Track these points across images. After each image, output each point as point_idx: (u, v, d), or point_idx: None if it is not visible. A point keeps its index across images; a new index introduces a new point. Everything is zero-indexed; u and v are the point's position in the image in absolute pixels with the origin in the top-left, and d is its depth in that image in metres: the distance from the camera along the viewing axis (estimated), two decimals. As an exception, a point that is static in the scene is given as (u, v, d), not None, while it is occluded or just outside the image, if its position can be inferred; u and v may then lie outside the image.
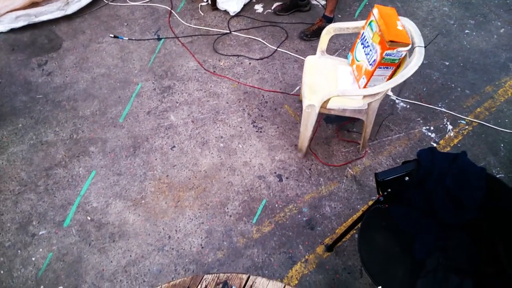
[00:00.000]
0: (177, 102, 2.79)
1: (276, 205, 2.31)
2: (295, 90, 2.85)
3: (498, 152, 2.55)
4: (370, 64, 2.05)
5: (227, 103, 2.79)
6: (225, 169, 2.46)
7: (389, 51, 1.90)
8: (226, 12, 3.41)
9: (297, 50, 3.12)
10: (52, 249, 2.14)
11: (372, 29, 2.02)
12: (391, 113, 2.74)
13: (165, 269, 2.08)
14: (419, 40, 1.93)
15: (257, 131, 2.63)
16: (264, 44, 3.17)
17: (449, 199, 1.52)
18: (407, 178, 1.54)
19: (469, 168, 1.52)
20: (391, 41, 1.87)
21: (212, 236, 2.19)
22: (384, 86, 1.95)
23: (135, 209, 2.29)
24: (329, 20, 3.09)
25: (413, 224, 1.61)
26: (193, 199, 2.33)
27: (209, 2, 3.44)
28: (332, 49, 3.12)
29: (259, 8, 3.48)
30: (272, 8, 3.47)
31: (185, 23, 3.33)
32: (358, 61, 2.21)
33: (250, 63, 3.04)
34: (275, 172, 2.45)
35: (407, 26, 1.99)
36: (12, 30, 3.20)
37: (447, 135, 2.64)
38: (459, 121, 2.72)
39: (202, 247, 2.15)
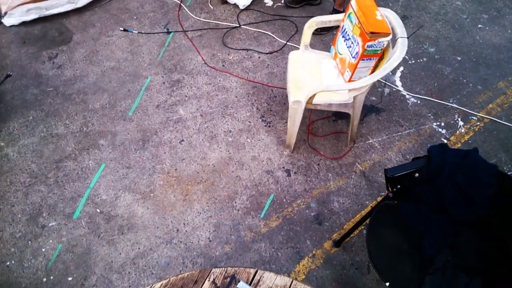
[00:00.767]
0: (186, 96, 2.79)
1: (284, 200, 2.31)
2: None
3: (510, 149, 2.52)
4: (353, 57, 2.03)
5: (236, 97, 2.78)
6: (234, 163, 2.46)
7: (370, 43, 1.88)
8: (235, 5, 3.39)
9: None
10: (62, 240, 2.17)
11: (351, 21, 2.00)
12: (379, 102, 2.74)
13: (173, 262, 2.09)
14: (401, 31, 1.91)
15: (265, 126, 2.63)
16: (274, 38, 3.15)
17: (460, 195, 1.50)
18: (417, 175, 1.53)
19: (481, 165, 1.50)
20: (372, 32, 1.84)
21: (220, 230, 2.20)
22: (368, 79, 1.93)
23: (144, 202, 2.30)
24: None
25: (422, 221, 1.59)
26: (201, 192, 2.34)
27: (219, -5, 3.43)
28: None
29: (268, 1, 3.46)
30: (282, 1, 3.44)
31: (194, 16, 3.32)
32: (340, 54, 2.18)
33: (259, 57, 3.03)
34: (283, 167, 2.44)
35: (388, 16, 1.97)
36: (23, 23, 3.22)
37: (458, 132, 2.61)
38: (470, 117, 2.68)
39: (210, 241, 2.16)
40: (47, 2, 3.19)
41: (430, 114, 2.70)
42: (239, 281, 1.27)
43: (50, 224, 2.22)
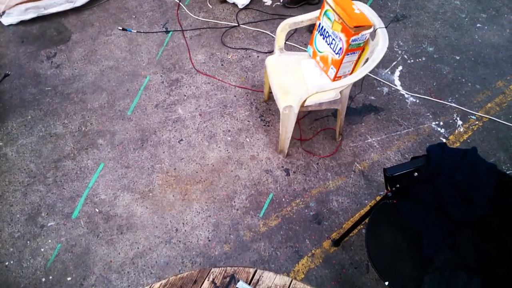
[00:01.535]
0: (185, 95, 2.79)
1: (283, 199, 2.31)
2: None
3: (509, 148, 2.52)
4: (337, 53, 2.03)
5: (234, 96, 2.78)
6: (233, 162, 2.46)
7: (354, 37, 1.89)
8: (234, 4, 3.39)
9: (306, 44, 3.10)
10: (61, 240, 2.16)
11: (329, 19, 2.00)
12: (360, 91, 2.78)
13: (172, 262, 2.09)
14: (378, 22, 1.94)
15: (264, 125, 2.62)
16: (273, 37, 3.15)
17: (459, 195, 1.50)
18: (416, 174, 1.53)
19: (480, 165, 1.50)
20: (356, 27, 1.85)
21: (219, 230, 2.20)
22: (358, 74, 1.92)
23: (143, 202, 2.30)
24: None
25: (421, 220, 1.60)
26: (200, 192, 2.34)
27: (218, -6, 3.42)
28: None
29: (267, 0, 3.45)
30: (281, 0, 3.44)
31: (193, 15, 3.31)
32: (321, 52, 2.17)
33: (258, 57, 3.03)
34: (282, 166, 2.44)
35: (362, 10, 1.97)
36: (22, 22, 3.21)
37: (456, 131, 2.61)
38: (469, 117, 2.69)
39: (209, 240, 2.16)
40: (46, 1, 3.18)
41: (429, 114, 2.70)
42: (238, 281, 1.27)
43: (49, 224, 2.22)
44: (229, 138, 2.57)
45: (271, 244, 2.15)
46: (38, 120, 2.65)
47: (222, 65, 2.97)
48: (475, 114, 2.69)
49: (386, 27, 1.92)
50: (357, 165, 2.45)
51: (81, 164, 2.45)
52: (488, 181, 1.47)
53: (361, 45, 1.98)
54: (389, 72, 2.93)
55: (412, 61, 3.01)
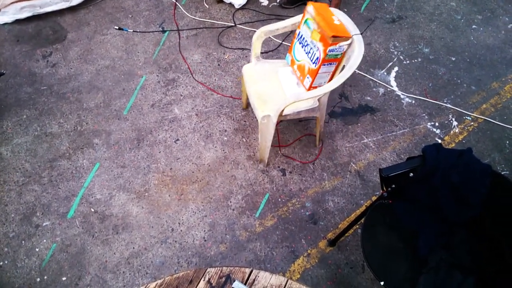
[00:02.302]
0: (181, 95, 2.79)
1: (279, 200, 2.31)
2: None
3: (503, 149, 2.54)
4: (313, 63, 2.00)
5: (231, 96, 2.78)
6: (229, 162, 2.46)
7: (332, 47, 1.87)
8: (231, 4, 3.39)
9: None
10: (56, 240, 2.15)
11: (309, 27, 1.97)
12: (341, 97, 2.78)
13: (167, 262, 2.08)
14: (353, 29, 1.92)
15: (261, 125, 2.62)
16: (269, 37, 3.15)
17: (454, 195, 1.51)
18: (411, 174, 1.53)
19: (475, 165, 1.51)
20: (334, 36, 1.83)
21: (215, 230, 2.20)
22: (334, 82, 1.89)
23: (139, 202, 2.29)
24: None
25: (416, 221, 1.60)
26: (196, 192, 2.33)
27: (214, -6, 3.42)
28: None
29: (264, 1, 3.46)
30: (278, 1, 3.44)
31: (190, 15, 3.31)
32: (298, 61, 2.14)
33: (254, 57, 3.02)
34: (278, 167, 2.44)
35: (340, 18, 1.96)
36: (17, 21, 3.20)
37: (452, 131, 2.62)
38: (464, 117, 2.70)
39: (205, 240, 2.16)
40: (41, 0, 3.17)
41: (424, 114, 2.71)
42: (234, 281, 1.27)
43: (44, 224, 2.21)
44: (226, 138, 2.57)
45: (267, 244, 2.15)
46: (34, 119, 2.64)
47: (218, 65, 2.97)
48: (470, 115, 2.71)
49: (361, 34, 1.89)
50: (353, 165, 2.46)
51: (76, 164, 2.44)
52: (483, 182, 1.48)
53: (339, 56, 1.95)
54: (385, 73, 2.94)
55: (408, 62, 3.03)
